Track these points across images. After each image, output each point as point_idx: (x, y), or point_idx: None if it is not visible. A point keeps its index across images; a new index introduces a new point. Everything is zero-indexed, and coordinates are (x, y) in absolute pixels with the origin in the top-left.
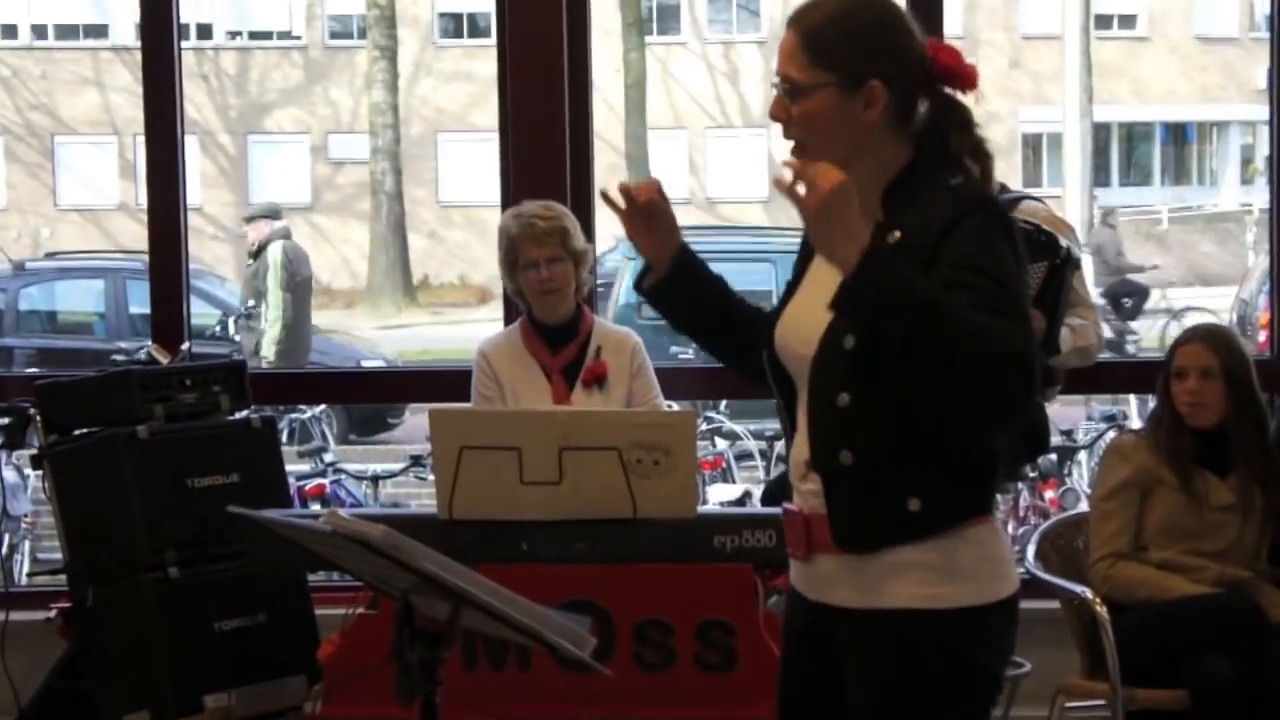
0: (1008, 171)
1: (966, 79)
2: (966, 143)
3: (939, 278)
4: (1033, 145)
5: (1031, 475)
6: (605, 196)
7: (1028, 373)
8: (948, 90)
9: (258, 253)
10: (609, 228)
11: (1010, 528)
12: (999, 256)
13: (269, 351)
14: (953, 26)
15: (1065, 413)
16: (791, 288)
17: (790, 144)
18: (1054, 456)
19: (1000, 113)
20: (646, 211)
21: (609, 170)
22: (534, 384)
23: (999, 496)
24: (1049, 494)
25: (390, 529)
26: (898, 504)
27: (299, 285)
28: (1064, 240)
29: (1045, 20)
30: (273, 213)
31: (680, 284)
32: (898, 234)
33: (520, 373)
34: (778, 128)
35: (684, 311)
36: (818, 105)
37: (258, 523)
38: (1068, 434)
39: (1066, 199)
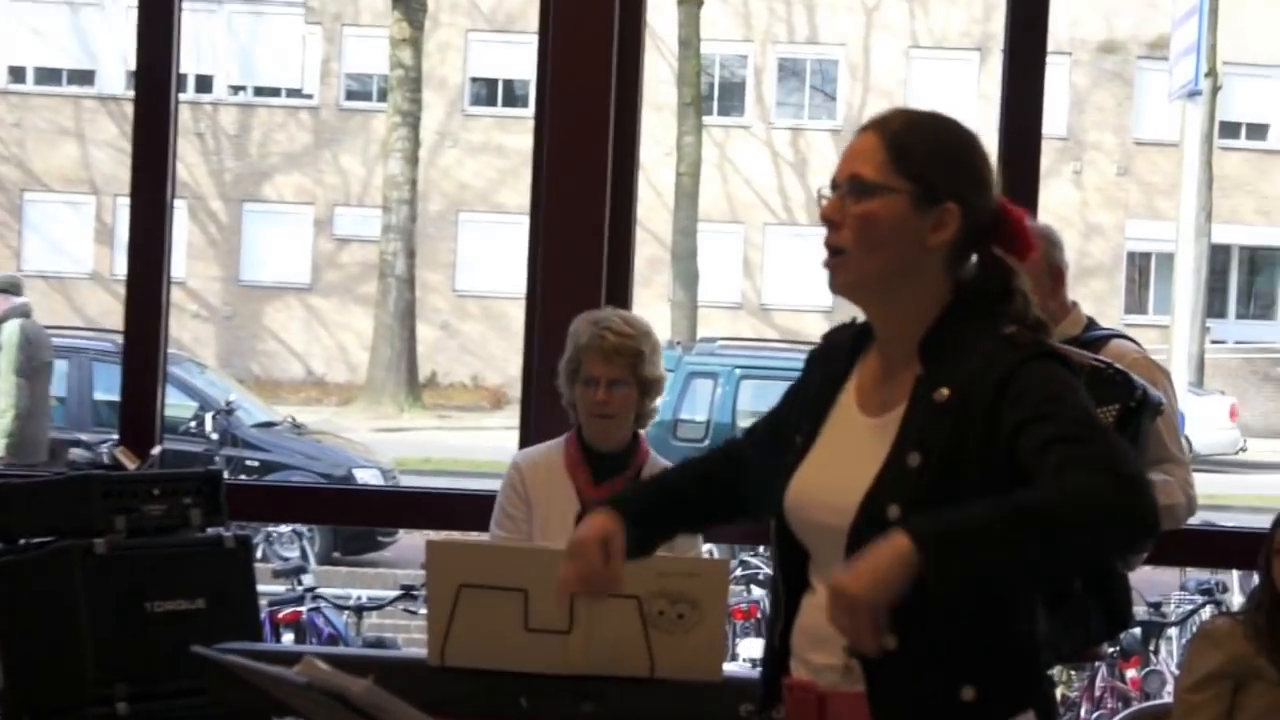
0: (1108, 293)
1: (1027, 246)
2: (1026, 313)
3: (1008, 425)
4: (1140, 265)
5: (1111, 651)
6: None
7: (1140, 495)
8: (997, 251)
9: None
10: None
11: (1084, 711)
12: (1070, 388)
13: None
14: (1055, 125)
15: (1155, 580)
16: (804, 443)
17: (825, 253)
18: (1138, 631)
19: (1105, 226)
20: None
21: (650, 265)
22: (567, 515)
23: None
24: (1130, 674)
25: (373, 686)
26: (950, 693)
27: (37, 370)
28: (1140, 380)
29: (1162, 125)
30: (12, 286)
31: (648, 539)
32: (945, 391)
33: (555, 498)
34: None
35: (664, 536)
36: (884, 209)
37: (222, 664)
38: (1156, 606)
39: (1175, 329)
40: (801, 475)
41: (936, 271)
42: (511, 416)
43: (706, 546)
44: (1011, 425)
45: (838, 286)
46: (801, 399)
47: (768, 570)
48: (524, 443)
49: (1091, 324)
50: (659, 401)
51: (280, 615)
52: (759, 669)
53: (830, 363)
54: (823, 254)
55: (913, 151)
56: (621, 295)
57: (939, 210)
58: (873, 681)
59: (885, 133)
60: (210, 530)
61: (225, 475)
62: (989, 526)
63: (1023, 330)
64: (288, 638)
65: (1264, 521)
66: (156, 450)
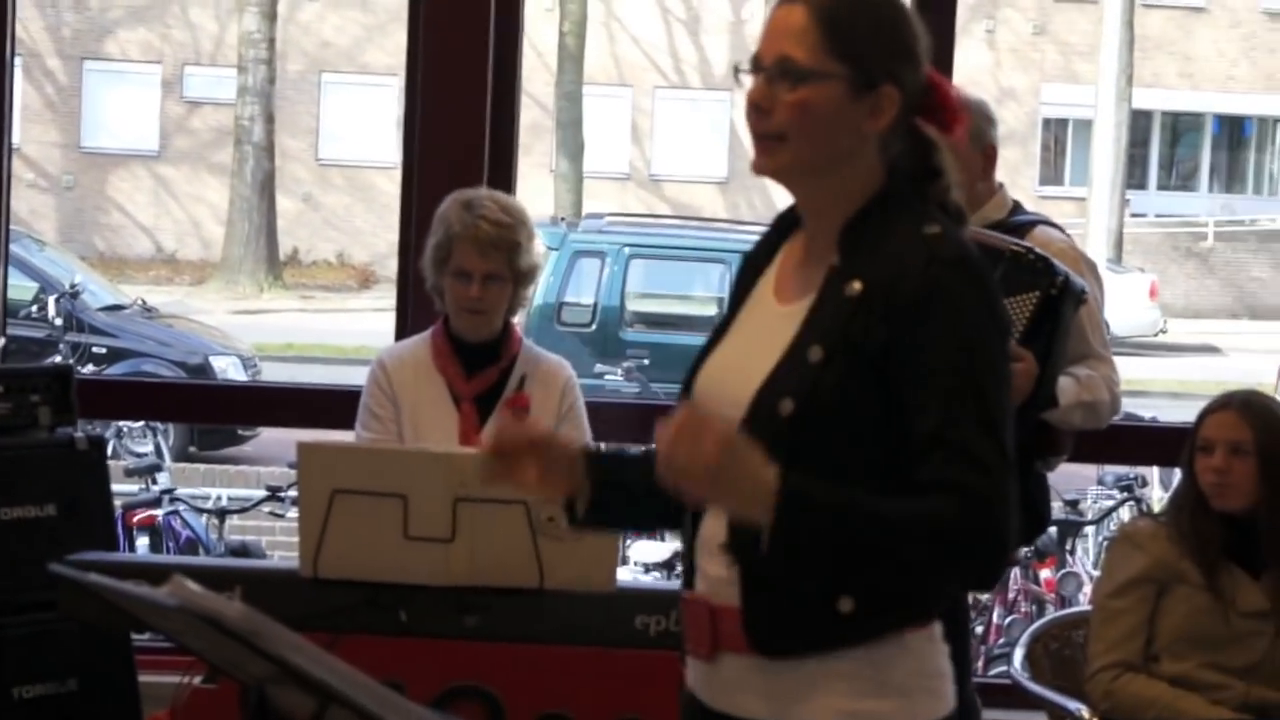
0: (1022, 163)
1: (953, 119)
2: (947, 197)
3: (908, 360)
4: (1055, 132)
5: (1025, 552)
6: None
7: (993, 549)
8: (922, 125)
9: None
10: (531, 207)
11: (997, 615)
12: (979, 328)
13: None
14: None
15: (1071, 474)
16: (721, 328)
17: (756, 140)
18: (1053, 530)
19: (1019, 90)
20: (531, 451)
21: (530, 132)
22: (440, 411)
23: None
24: (1045, 574)
25: (249, 610)
26: (826, 603)
27: None
28: (1061, 266)
29: None
30: None
31: (612, 500)
32: (858, 285)
33: (425, 395)
34: (743, 91)
35: (630, 518)
36: (820, 96)
37: (81, 584)
38: (1073, 504)
39: (1092, 202)
40: (709, 365)
41: (870, 155)
42: (381, 296)
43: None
44: (910, 370)
45: (766, 169)
46: (736, 288)
47: None
48: (400, 330)
49: (1017, 208)
50: (531, 291)
51: (135, 518)
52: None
53: (761, 245)
54: (747, 135)
55: (848, 30)
56: (505, 167)
57: (877, 94)
58: (746, 589)
59: (814, 7)
60: (60, 431)
61: (73, 365)
62: (845, 517)
63: (946, 234)
64: (142, 541)
65: (1184, 410)
66: (0, 340)
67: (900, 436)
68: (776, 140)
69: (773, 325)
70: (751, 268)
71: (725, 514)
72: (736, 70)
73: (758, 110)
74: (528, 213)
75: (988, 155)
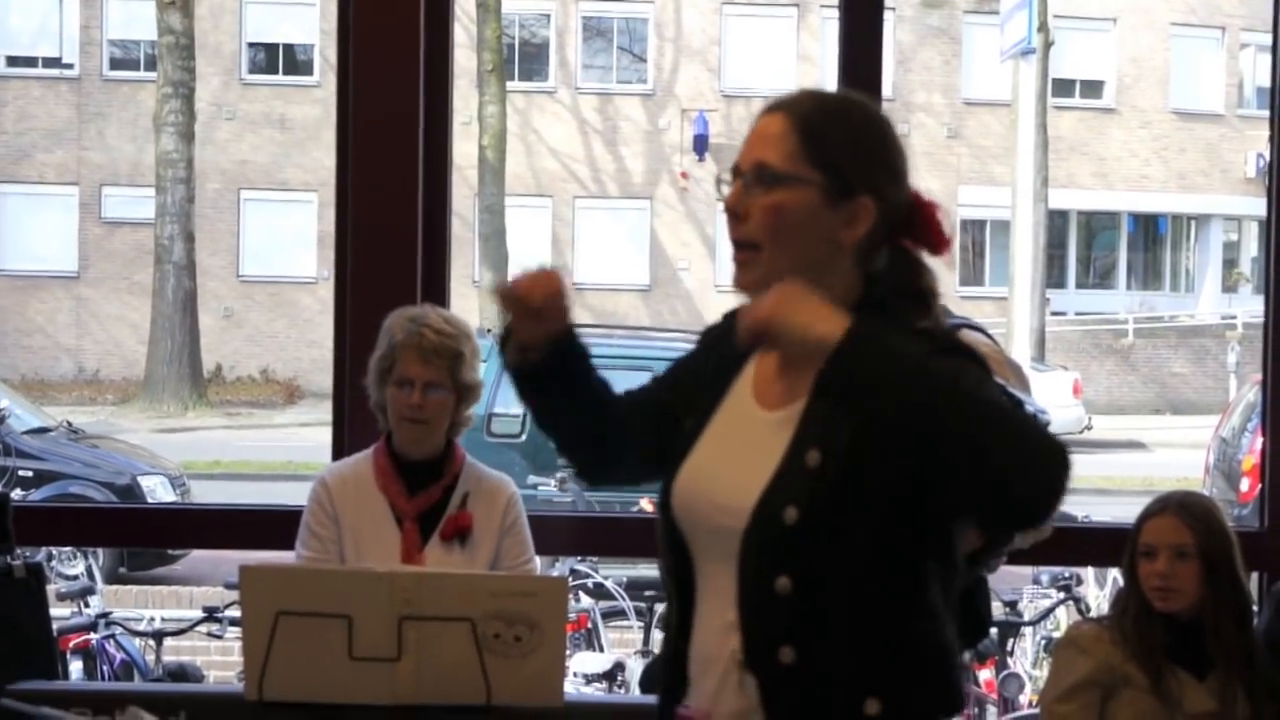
0: (942, 265)
1: (940, 240)
2: (935, 312)
3: (918, 441)
4: (973, 233)
5: (966, 656)
6: (503, 297)
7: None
8: (907, 244)
9: None
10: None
11: None
12: (985, 384)
13: None
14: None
15: (1006, 574)
16: (693, 432)
17: (734, 249)
18: (994, 631)
19: (935, 192)
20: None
21: (455, 245)
22: (381, 531)
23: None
24: (984, 675)
25: None
26: (853, 707)
27: None
28: (999, 380)
29: (993, 84)
30: None
31: (562, 371)
32: None
33: (366, 514)
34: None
35: (558, 401)
36: (794, 201)
37: (30, 716)
38: (1011, 605)
39: (1014, 301)
40: (691, 469)
41: (848, 267)
42: (306, 411)
43: (538, 559)
44: (924, 437)
45: (746, 284)
46: (694, 379)
47: (597, 578)
48: (337, 444)
49: (945, 312)
50: (473, 409)
51: (69, 642)
52: (651, 692)
53: (728, 346)
54: (728, 249)
55: (825, 138)
56: (439, 282)
57: (853, 204)
58: (769, 703)
59: (795, 116)
60: None
61: (8, 494)
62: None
63: (939, 328)
64: (76, 666)
65: (1113, 506)
66: None
67: (921, 515)
68: (752, 250)
69: (760, 432)
70: (724, 364)
71: (744, 622)
72: (718, 180)
73: (734, 216)
74: (472, 329)
75: None
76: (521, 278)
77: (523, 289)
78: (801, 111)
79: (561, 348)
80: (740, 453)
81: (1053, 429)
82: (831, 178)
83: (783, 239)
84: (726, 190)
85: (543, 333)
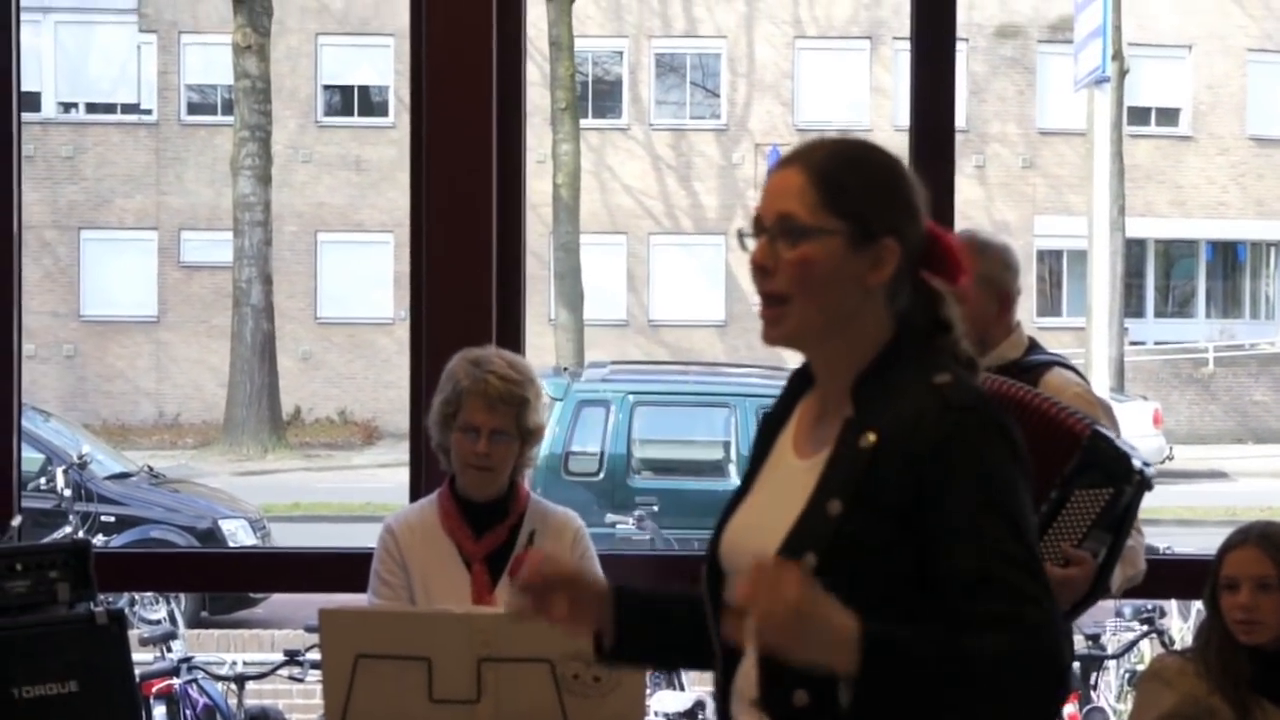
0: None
1: (958, 270)
2: (958, 348)
3: (930, 519)
4: (1050, 264)
5: None
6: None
7: (1057, 676)
8: (928, 278)
9: None
10: (533, 357)
11: None
12: (1003, 482)
13: None
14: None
15: (1089, 610)
16: (743, 488)
17: (762, 303)
18: (1076, 665)
19: (1011, 223)
20: (554, 587)
21: (530, 284)
22: (451, 575)
23: None
24: (1069, 710)
25: None
26: None
27: None
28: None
29: (1067, 113)
30: None
31: (640, 636)
32: (873, 437)
33: (434, 559)
34: (738, 235)
35: (658, 655)
36: (821, 253)
37: None
38: (1094, 638)
39: (1092, 331)
40: (734, 522)
41: (877, 309)
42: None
43: None
44: (936, 516)
45: (777, 338)
46: (757, 444)
47: None
48: (414, 485)
49: (1033, 346)
50: (537, 450)
51: (153, 688)
52: None
53: (790, 395)
54: (756, 302)
55: (845, 187)
56: (514, 321)
57: (877, 248)
58: None
59: (811, 168)
60: (79, 606)
61: (90, 540)
62: (932, 659)
63: (955, 378)
64: (159, 711)
65: (1195, 536)
66: (16, 521)
67: (931, 580)
68: (780, 303)
69: (793, 480)
70: (770, 426)
71: (761, 662)
72: (740, 235)
73: (761, 271)
74: (535, 372)
75: (1002, 301)
76: (520, 577)
77: (533, 579)
78: (817, 162)
79: (621, 614)
80: (774, 501)
81: (1144, 463)
82: (855, 225)
83: (813, 291)
84: (750, 244)
85: (598, 610)
